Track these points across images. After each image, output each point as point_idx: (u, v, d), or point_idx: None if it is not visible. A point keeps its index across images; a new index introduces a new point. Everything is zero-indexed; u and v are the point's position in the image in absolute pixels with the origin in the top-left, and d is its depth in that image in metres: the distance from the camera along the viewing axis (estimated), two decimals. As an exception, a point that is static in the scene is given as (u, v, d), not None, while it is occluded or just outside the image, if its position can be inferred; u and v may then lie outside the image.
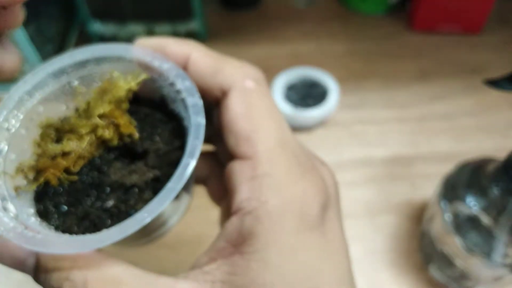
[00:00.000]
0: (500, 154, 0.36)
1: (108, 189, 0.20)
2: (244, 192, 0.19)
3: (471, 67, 0.60)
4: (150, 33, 0.62)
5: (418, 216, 0.46)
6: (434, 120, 0.54)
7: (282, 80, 0.54)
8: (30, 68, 0.53)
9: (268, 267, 0.17)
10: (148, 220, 0.17)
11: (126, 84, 0.21)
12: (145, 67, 0.21)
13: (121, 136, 0.21)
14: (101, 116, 0.21)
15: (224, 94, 0.20)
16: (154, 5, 0.59)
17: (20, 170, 0.20)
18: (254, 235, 0.18)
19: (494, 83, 0.58)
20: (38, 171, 0.20)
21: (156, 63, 0.21)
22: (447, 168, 0.40)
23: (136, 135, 0.21)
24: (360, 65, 0.60)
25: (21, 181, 0.20)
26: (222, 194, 0.21)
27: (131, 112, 0.22)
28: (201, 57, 0.21)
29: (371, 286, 0.42)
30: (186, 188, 0.23)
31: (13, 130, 0.21)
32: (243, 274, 0.17)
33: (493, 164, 0.35)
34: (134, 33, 0.62)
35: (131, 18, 0.60)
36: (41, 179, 0.20)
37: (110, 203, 0.19)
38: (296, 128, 0.54)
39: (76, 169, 0.20)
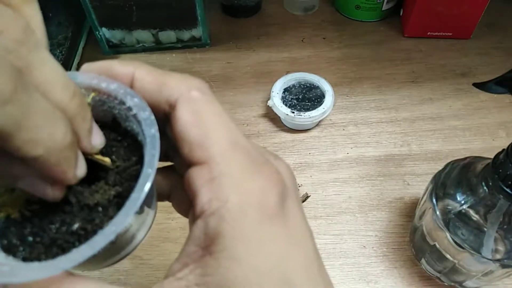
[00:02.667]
0: (488, 154, 0.35)
1: (72, 213, 0.19)
2: (204, 194, 0.18)
3: (460, 70, 0.59)
4: (156, 39, 0.62)
5: (409, 213, 0.46)
6: (425, 121, 0.54)
7: (281, 84, 0.53)
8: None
9: (237, 262, 0.17)
10: (117, 231, 0.17)
11: None
12: (93, 90, 0.20)
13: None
14: None
15: (171, 107, 0.20)
16: (159, 13, 0.58)
17: None
18: (220, 234, 0.17)
19: (483, 86, 0.58)
20: None
21: (103, 84, 0.20)
22: (437, 167, 0.39)
23: (94, 157, 0.20)
24: (354, 69, 0.60)
25: None
26: (188, 205, 0.20)
27: None
28: (144, 75, 0.20)
29: (364, 279, 0.42)
30: (150, 199, 0.22)
31: None
32: (215, 274, 0.17)
33: (481, 163, 0.35)
34: (140, 39, 0.62)
35: (137, 25, 0.60)
36: (1, 215, 0.19)
37: (76, 225, 0.19)
38: (294, 129, 0.54)
39: (36, 198, 0.19)
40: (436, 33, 0.62)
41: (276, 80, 0.54)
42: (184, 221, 0.26)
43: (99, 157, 0.20)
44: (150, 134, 0.19)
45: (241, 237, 0.17)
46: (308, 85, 0.54)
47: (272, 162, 0.21)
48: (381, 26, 0.66)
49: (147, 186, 0.18)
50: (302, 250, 0.19)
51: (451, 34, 0.62)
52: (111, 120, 0.22)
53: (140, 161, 0.20)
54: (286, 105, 0.52)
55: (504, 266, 0.33)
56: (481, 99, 0.56)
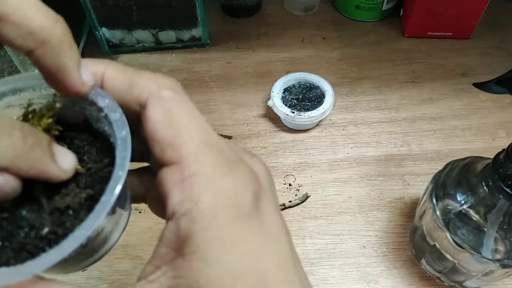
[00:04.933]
0: (488, 154, 0.35)
1: (41, 217, 0.18)
2: (175, 195, 0.18)
3: (460, 70, 0.59)
4: (156, 39, 0.62)
5: (409, 213, 0.46)
6: (425, 121, 0.54)
7: (281, 84, 0.53)
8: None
9: (209, 263, 0.17)
10: (86, 235, 0.16)
11: (49, 110, 0.20)
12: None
13: None
14: None
15: (142, 107, 0.19)
16: (159, 13, 0.58)
17: None
18: (191, 236, 0.17)
19: (483, 86, 0.58)
20: None
21: None
22: (437, 167, 0.39)
23: None
24: (354, 69, 0.60)
25: None
26: (163, 207, 0.20)
27: (56, 137, 0.20)
28: (114, 74, 0.20)
29: (364, 279, 0.42)
30: (123, 201, 0.22)
31: None
32: (187, 275, 0.17)
33: (481, 163, 0.35)
34: (140, 39, 0.62)
35: (137, 25, 0.60)
36: None
37: (46, 230, 0.18)
38: (294, 129, 0.54)
39: (6, 205, 0.18)
40: (436, 33, 0.62)
41: (276, 80, 0.54)
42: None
43: None
44: (121, 136, 0.19)
45: (213, 238, 0.17)
46: (308, 85, 0.54)
47: (247, 160, 0.20)
48: (381, 26, 0.66)
49: (118, 188, 0.17)
50: (277, 249, 0.19)
51: (451, 34, 0.62)
52: (83, 121, 0.21)
53: (112, 163, 0.19)
54: (286, 105, 0.52)
55: (504, 266, 0.33)
56: (481, 99, 0.56)
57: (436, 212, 0.36)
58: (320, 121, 0.54)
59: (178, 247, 0.17)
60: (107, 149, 0.21)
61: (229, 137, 0.53)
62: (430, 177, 0.39)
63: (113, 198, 0.17)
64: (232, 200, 0.18)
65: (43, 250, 0.18)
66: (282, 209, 0.46)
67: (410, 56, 0.61)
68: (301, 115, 0.50)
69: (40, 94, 0.21)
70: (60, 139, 0.21)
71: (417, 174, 0.49)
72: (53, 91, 0.20)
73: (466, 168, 0.36)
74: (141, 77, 0.20)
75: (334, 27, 0.66)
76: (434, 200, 0.36)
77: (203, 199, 0.17)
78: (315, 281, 0.41)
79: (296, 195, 0.48)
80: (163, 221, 0.20)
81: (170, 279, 0.17)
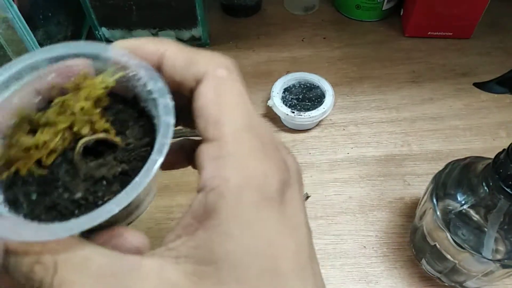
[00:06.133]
0: (489, 154, 0.35)
1: (76, 182, 0.19)
2: (209, 170, 0.19)
3: (461, 70, 0.59)
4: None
5: (410, 213, 0.46)
6: (425, 121, 0.54)
7: (281, 84, 0.53)
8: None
9: (228, 238, 0.17)
10: (116, 211, 0.17)
11: (104, 81, 0.21)
12: (121, 67, 0.21)
13: (95, 132, 0.21)
14: (78, 112, 0.20)
15: (197, 83, 0.21)
16: (159, 12, 0.58)
17: None
18: (216, 210, 0.18)
19: (484, 86, 0.58)
20: (9, 161, 0.20)
21: (132, 63, 0.21)
22: (437, 167, 0.39)
23: (112, 132, 0.21)
24: (355, 69, 0.60)
25: None
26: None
27: (105, 108, 0.21)
28: (175, 52, 0.21)
29: (364, 279, 0.42)
30: (152, 182, 0.22)
31: None
32: (205, 246, 0.18)
33: (482, 163, 0.35)
34: (139, 38, 0.62)
35: (137, 25, 0.60)
36: (12, 169, 0.19)
37: (78, 195, 0.19)
38: (294, 129, 0.54)
39: (47, 162, 0.20)
40: (437, 33, 0.62)
41: (276, 80, 0.54)
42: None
43: (111, 136, 0.20)
44: (165, 122, 0.19)
45: (236, 216, 0.18)
46: (308, 85, 0.54)
47: (282, 151, 0.21)
48: (382, 26, 0.66)
49: (152, 172, 0.18)
50: (295, 239, 0.19)
51: (451, 34, 0.62)
52: (132, 97, 0.22)
53: (151, 144, 0.20)
54: (286, 105, 0.52)
55: (504, 266, 0.33)
56: (482, 99, 0.56)
57: (436, 212, 0.36)
58: (320, 121, 0.54)
59: (203, 219, 0.18)
60: (149, 129, 0.21)
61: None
62: (431, 177, 0.39)
63: (146, 181, 0.18)
64: (260, 184, 0.18)
65: (73, 214, 0.19)
66: (282, 209, 0.46)
67: (410, 56, 0.61)
68: (301, 115, 0.50)
69: (97, 64, 0.22)
70: (108, 110, 0.21)
71: (417, 174, 0.49)
72: (111, 63, 0.21)
73: (466, 168, 0.36)
74: (200, 55, 0.21)
75: (334, 26, 0.66)
76: (434, 200, 0.36)
77: (233, 179, 0.18)
78: (315, 282, 0.42)
79: (296, 195, 0.48)
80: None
81: (189, 248, 0.18)
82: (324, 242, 0.44)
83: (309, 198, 0.47)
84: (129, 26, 0.60)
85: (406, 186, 0.48)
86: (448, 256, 0.37)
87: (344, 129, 0.53)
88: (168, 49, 0.21)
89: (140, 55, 0.21)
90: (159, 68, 0.21)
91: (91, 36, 0.63)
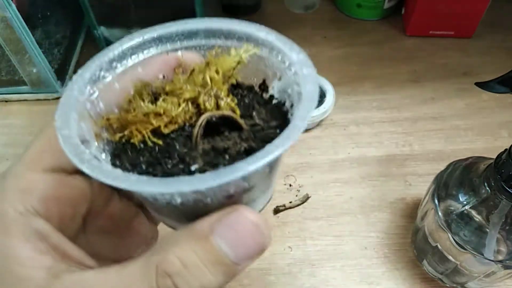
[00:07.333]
0: (491, 154, 0.35)
1: (195, 154, 0.18)
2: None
3: (462, 70, 0.59)
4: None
5: (411, 213, 0.46)
6: (427, 121, 0.54)
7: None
8: (38, 72, 0.54)
9: None
10: (248, 170, 0.15)
11: (235, 56, 0.20)
12: (258, 44, 0.20)
13: (219, 109, 0.19)
14: (207, 85, 0.19)
15: None
16: (158, 11, 0.59)
17: (106, 118, 0.19)
18: None
19: (485, 85, 0.58)
20: (124, 125, 0.19)
21: (270, 37, 0.20)
22: (439, 167, 0.39)
23: (237, 111, 0.19)
24: (355, 68, 0.60)
25: (103, 132, 0.19)
26: None
27: (232, 91, 0.21)
28: None
29: (365, 281, 0.42)
30: (277, 165, 0.20)
31: (108, 79, 0.19)
32: None
33: (484, 164, 0.35)
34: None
35: (136, 23, 0.60)
36: (125, 132, 0.18)
37: (195, 166, 0.17)
38: (294, 129, 0.54)
39: (166, 131, 0.18)
40: (438, 32, 0.62)
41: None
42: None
43: (237, 116, 0.19)
44: (310, 89, 0.18)
45: None
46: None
47: None
48: (383, 25, 0.66)
49: (294, 138, 0.16)
50: None
51: (453, 33, 0.62)
52: (261, 82, 0.21)
53: (281, 127, 0.19)
54: (286, 104, 0.52)
55: (506, 267, 0.34)
56: (484, 99, 0.56)
57: (438, 213, 0.36)
58: (321, 121, 0.54)
59: None
60: (278, 114, 0.20)
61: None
62: (432, 177, 0.39)
63: (288, 144, 0.16)
64: None
65: None
66: (283, 210, 0.46)
67: (412, 55, 0.61)
68: (301, 115, 0.50)
69: (231, 43, 0.21)
70: (233, 93, 0.21)
71: (419, 175, 0.49)
72: (246, 46, 0.20)
73: (468, 168, 0.37)
74: None
75: (335, 25, 0.66)
76: (436, 200, 0.36)
77: None
78: (316, 283, 0.42)
79: (296, 195, 0.48)
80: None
81: None
82: (325, 243, 0.44)
83: (310, 198, 0.47)
84: (128, 24, 0.60)
85: (407, 187, 0.48)
86: (450, 257, 0.37)
87: (345, 129, 0.54)
88: None
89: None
90: None
91: (90, 35, 0.63)
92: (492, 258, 0.33)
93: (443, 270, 0.39)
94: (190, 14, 0.59)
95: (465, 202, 0.35)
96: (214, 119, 0.19)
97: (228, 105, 0.19)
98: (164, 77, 0.21)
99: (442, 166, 0.39)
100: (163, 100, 0.19)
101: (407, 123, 0.54)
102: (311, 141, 0.53)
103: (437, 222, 0.36)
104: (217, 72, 0.20)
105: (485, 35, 0.63)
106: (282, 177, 0.49)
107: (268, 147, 0.16)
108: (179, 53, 0.21)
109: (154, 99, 0.20)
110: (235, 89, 0.21)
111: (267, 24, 0.21)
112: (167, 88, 0.20)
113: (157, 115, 0.19)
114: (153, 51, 0.21)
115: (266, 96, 0.21)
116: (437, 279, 0.41)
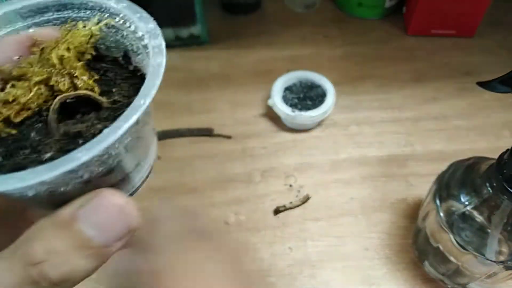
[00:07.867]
0: (493, 155, 0.35)
1: (48, 141, 0.17)
2: None
3: (464, 69, 0.59)
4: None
5: (412, 214, 0.46)
6: (428, 121, 0.54)
7: (281, 83, 0.53)
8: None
9: None
10: (81, 160, 0.15)
11: (86, 30, 0.19)
12: (108, 15, 0.19)
13: (76, 89, 0.18)
14: (57, 65, 0.18)
15: None
16: (157, 10, 0.58)
17: None
18: None
19: (487, 85, 0.58)
20: None
21: (119, 6, 0.19)
22: (440, 167, 0.39)
23: (96, 89, 0.18)
24: (356, 68, 0.60)
25: None
26: None
27: (91, 67, 0.19)
28: None
29: (367, 282, 0.42)
30: (144, 139, 0.20)
31: None
32: None
33: (486, 164, 0.35)
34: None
35: (135, 22, 0.60)
36: None
37: (47, 155, 0.17)
38: (295, 129, 0.54)
39: (16, 120, 0.17)
40: (440, 31, 0.62)
41: (276, 79, 0.54)
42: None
43: (94, 94, 0.18)
44: (156, 63, 0.18)
45: None
46: (309, 83, 0.54)
47: None
48: (384, 24, 0.66)
49: (133, 118, 0.16)
50: None
51: (454, 32, 0.62)
52: (123, 56, 0.21)
53: None
54: (286, 104, 0.52)
55: (508, 268, 0.34)
56: (485, 99, 0.56)
57: (439, 214, 0.36)
58: (321, 121, 0.54)
59: None
60: (140, 88, 0.19)
61: (229, 137, 0.53)
62: (434, 177, 0.39)
63: (126, 126, 0.15)
64: None
65: None
66: (283, 211, 0.46)
67: (413, 55, 0.61)
68: (302, 115, 0.50)
69: (84, 15, 0.20)
70: (94, 69, 0.20)
71: (420, 175, 0.49)
72: (97, 17, 0.19)
73: (470, 168, 0.36)
74: None
75: (335, 24, 0.66)
76: (437, 201, 0.36)
77: None
78: (316, 284, 0.42)
79: (297, 196, 0.48)
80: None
81: None
82: (326, 244, 0.44)
83: (310, 199, 0.47)
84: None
85: (408, 187, 0.48)
86: (451, 258, 0.37)
87: (345, 129, 0.54)
88: None
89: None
90: None
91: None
92: (493, 259, 0.33)
93: (445, 271, 0.39)
94: (190, 13, 0.59)
95: (466, 203, 0.35)
96: (69, 100, 0.18)
97: (86, 83, 0.18)
98: (19, 58, 0.20)
99: (443, 166, 0.39)
100: (12, 85, 0.18)
101: (408, 123, 0.54)
102: (312, 141, 0.53)
103: (438, 222, 0.36)
104: (68, 49, 0.19)
105: (487, 34, 0.63)
106: (283, 177, 0.49)
107: (105, 131, 0.15)
108: (31, 30, 0.20)
109: (4, 86, 0.18)
110: (98, 63, 0.20)
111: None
112: (15, 73, 0.18)
113: (6, 103, 0.18)
114: (3, 32, 0.19)
115: (131, 68, 0.20)
116: (439, 280, 0.41)
